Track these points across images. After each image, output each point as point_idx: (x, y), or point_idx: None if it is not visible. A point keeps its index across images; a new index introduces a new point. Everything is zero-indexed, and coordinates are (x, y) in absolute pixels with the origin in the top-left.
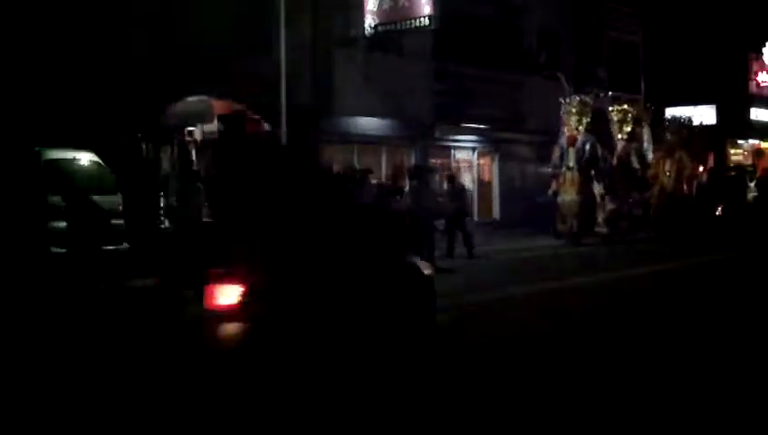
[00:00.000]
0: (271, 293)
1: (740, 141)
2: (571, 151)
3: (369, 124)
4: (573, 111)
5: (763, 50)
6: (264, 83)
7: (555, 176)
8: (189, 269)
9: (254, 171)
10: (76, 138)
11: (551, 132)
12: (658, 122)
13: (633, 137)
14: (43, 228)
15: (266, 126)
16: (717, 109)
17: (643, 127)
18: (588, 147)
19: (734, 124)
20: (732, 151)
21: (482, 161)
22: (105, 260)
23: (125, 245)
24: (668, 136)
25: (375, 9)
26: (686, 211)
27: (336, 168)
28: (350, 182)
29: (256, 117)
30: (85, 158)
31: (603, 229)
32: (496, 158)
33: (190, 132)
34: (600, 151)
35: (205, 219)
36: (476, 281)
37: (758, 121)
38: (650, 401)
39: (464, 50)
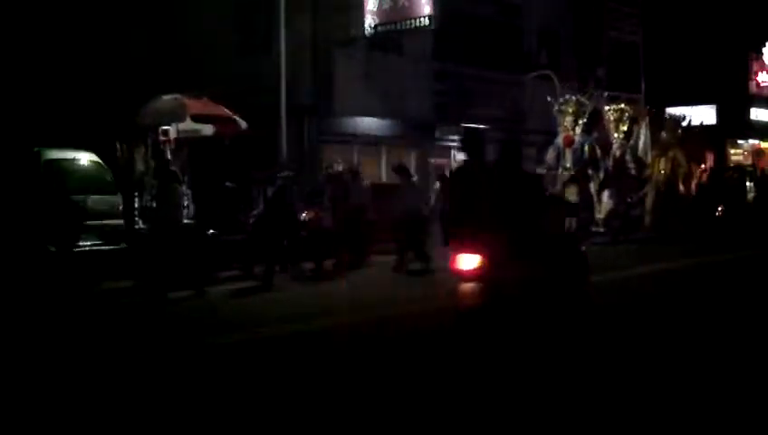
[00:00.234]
0: (499, 262)
1: (740, 141)
2: (568, 152)
3: (369, 124)
4: (569, 111)
5: (763, 50)
6: (264, 83)
7: (552, 177)
8: (174, 271)
9: (495, 175)
10: (76, 138)
11: (551, 132)
12: (655, 121)
13: (630, 136)
14: (43, 228)
15: (243, 125)
16: (717, 109)
17: (640, 127)
18: (586, 148)
19: (734, 124)
20: (732, 151)
21: None
22: (79, 260)
23: (122, 245)
24: (663, 135)
25: (375, 9)
26: (681, 211)
27: (326, 168)
28: (336, 182)
29: (233, 116)
30: (85, 158)
31: (600, 229)
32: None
33: (165, 132)
34: (598, 152)
35: (185, 221)
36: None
37: (758, 121)
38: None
39: (464, 50)
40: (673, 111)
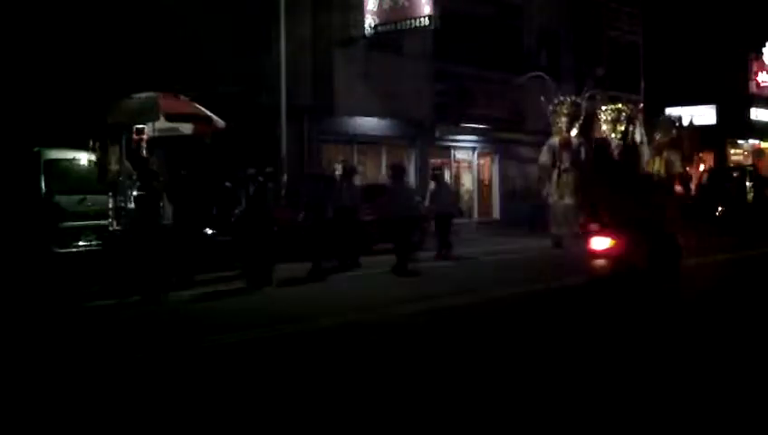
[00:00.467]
0: (622, 244)
1: (740, 141)
2: (565, 154)
3: (369, 124)
4: (564, 111)
5: (763, 50)
6: (264, 83)
7: (546, 177)
8: (156, 273)
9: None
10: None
11: (549, 133)
12: (650, 122)
13: (627, 137)
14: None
15: (221, 124)
16: (717, 109)
17: (635, 127)
18: (583, 149)
19: (734, 124)
20: (732, 151)
21: (482, 161)
22: (77, 260)
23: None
24: (657, 135)
25: (375, 9)
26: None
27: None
28: (327, 182)
29: (210, 115)
30: (84, 158)
31: None
32: (496, 158)
33: (139, 130)
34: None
35: (165, 222)
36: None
37: (758, 121)
38: None
39: (464, 50)
40: (673, 111)
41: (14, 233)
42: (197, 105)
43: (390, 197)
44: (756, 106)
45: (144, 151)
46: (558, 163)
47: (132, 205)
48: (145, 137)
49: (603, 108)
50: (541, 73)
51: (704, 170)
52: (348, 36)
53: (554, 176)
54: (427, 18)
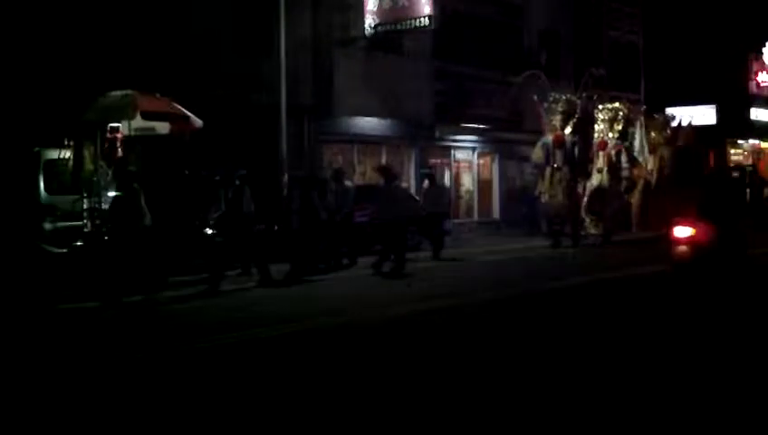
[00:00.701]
0: (702, 233)
1: (740, 141)
2: (558, 152)
3: (369, 124)
4: (559, 109)
5: (763, 50)
6: (264, 83)
7: (540, 175)
8: (137, 274)
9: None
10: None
11: (542, 130)
12: (649, 121)
13: (625, 136)
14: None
15: (198, 123)
16: (717, 109)
17: (635, 127)
18: (577, 148)
19: (734, 124)
20: (732, 151)
21: (482, 161)
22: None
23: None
24: (652, 134)
25: (375, 9)
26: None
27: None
28: (316, 184)
29: (187, 113)
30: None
31: (592, 230)
32: (496, 158)
33: (114, 129)
34: (587, 152)
35: (146, 223)
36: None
37: (758, 121)
38: None
39: (464, 50)
40: (670, 111)
41: (5, 233)
42: (175, 104)
43: (381, 198)
44: (756, 106)
45: (119, 150)
46: (551, 161)
47: (108, 205)
48: (120, 136)
49: (600, 107)
50: (536, 72)
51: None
52: (348, 36)
53: (547, 174)
54: (426, 18)
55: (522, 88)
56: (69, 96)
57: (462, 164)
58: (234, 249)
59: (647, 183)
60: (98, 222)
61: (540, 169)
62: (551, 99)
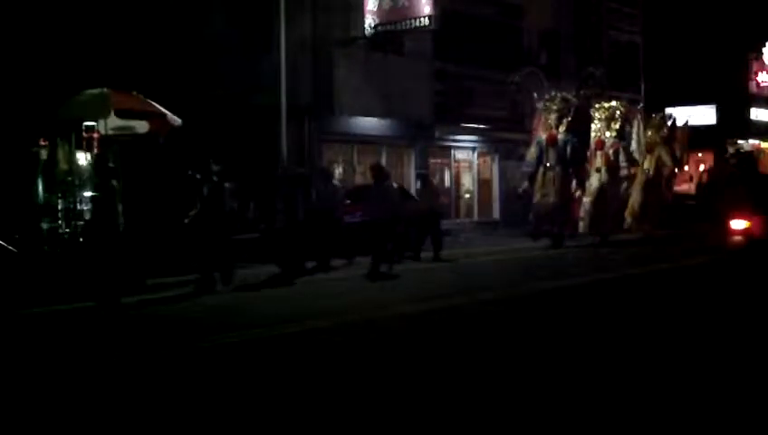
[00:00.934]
0: (755, 225)
1: (740, 141)
2: (551, 151)
3: (369, 124)
4: (553, 108)
5: (763, 50)
6: (264, 83)
7: (531, 174)
8: (112, 277)
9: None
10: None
11: (531, 129)
12: (646, 120)
13: (622, 135)
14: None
15: (177, 122)
16: (717, 109)
17: (633, 126)
18: (569, 147)
19: (734, 124)
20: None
21: (482, 161)
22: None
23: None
24: (649, 133)
25: (375, 9)
26: (665, 210)
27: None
28: (302, 183)
29: (165, 111)
30: (84, 158)
31: (588, 231)
32: (496, 158)
33: (89, 128)
34: (584, 152)
35: (120, 222)
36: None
37: (758, 121)
38: None
39: (464, 50)
40: (668, 110)
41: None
42: (151, 102)
43: (372, 198)
44: (756, 106)
45: (95, 150)
46: (544, 160)
47: (85, 206)
48: (96, 135)
49: (597, 105)
50: (533, 69)
51: (704, 170)
52: (348, 36)
53: (539, 173)
54: (426, 18)
55: (521, 87)
56: (46, 94)
57: (462, 164)
58: (208, 251)
59: (646, 182)
60: (74, 223)
61: (533, 168)
62: (547, 97)
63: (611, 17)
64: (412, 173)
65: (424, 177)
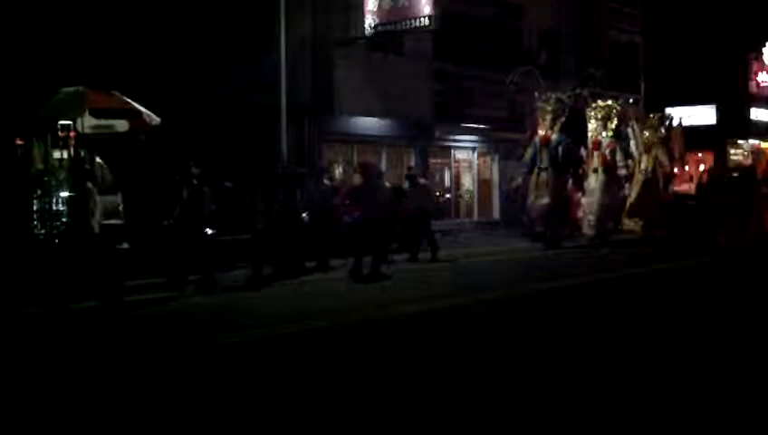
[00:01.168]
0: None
1: (740, 141)
2: (545, 152)
3: (369, 124)
4: (548, 108)
5: (763, 50)
6: (264, 83)
7: (526, 175)
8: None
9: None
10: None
11: (525, 130)
12: (643, 120)
13: (619, 135)
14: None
15: (155, 120)
16: (717, 109)
17: (630, 126)
18: (561, 148)
19: (734, 124)
20: (732, 151)
21: (482, 161)
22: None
23: (125, 245)
24: (646, 133)
25: (375, 9)
26: (663, 211)
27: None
28: (293, 182)
29: (143, 110)
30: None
31: (588, 231)
32: (496, 158)
33: (65, 127)
34: (579, 152)
35: (103, 223)
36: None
37: (758, 121)
38: None
39: (464, 50)
40: (671, 111)
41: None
42: (129, 100)
43: (361, 198)
44: (756, 106)
45: (72, 149)
46: (537, 161)
47: (61, 207)
48: (72, 134)
49: (593, 105)
50: (530, 67)
51: (703, 171)
52: (348, 36)
53: (534, 175)
54: (427, 18)
55: (520, 87)
56: (26, 93)
57: (462, 164)
58: (186, 254)
59: (645, 182)
60: (49, 224)
61: (528, 169)
62: (543, 98)
63: (611, 17)
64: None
65: (411, 177)
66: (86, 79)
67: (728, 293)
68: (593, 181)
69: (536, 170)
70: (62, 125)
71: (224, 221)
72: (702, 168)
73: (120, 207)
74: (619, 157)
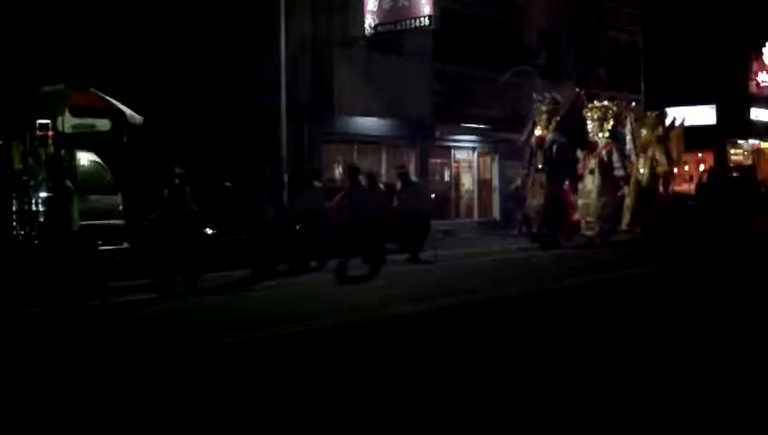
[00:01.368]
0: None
1: (740, 141)
2: (540, 152)
3: (369, 124)
4: (543, 108)
5: (763, 50)
6: (264, 83)
7: (525, 175)
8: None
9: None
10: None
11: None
12: (640, 119)
13: (616, 135)
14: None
15: (138, 119)
16: (717, 109)
17: (626, 126)
18: (555, 148)
19: (734, 124)
20: (732, 151)
21: (482, 161)
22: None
23: (125, 245)
24: (644, 132)
25: (375, 9)
26: (662, 211)
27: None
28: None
29: (125, 109)
30: (85, 158)
31: (586, 232)
32: (496, 158)
33: (44, 126)
34: (575, 152)
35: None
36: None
37: (758, 121)
38: None
39: (464, 50)
40: (671, 111)
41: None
42: (111, 99)
43: (351, 199)
44: (756, 106)
45: (51, 148)
46: (533, 162)
47: (40, 207)
48: (51, 133)
49: (589, 106)
50: (526, 67)
51: (704, 170)
52: (348, 36)
53: (530, 175)
54: (427, 18)
55: (520, 87)
56: (10, 92)
57: (462, 164)
58: (168, 256)
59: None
60: (28, 224)
61: (527, 169)
62: (539, 98)
63: (611, 17)
64: (412, 173)
65: (403, 176)
66: (85, 79)
67: (728, 293)
68: (589, 183)
69: (532, 171)
70: (40, 124)
71: (224, 221)
72: (702, 168)
73: (120, 208)
74: (615, 158)
